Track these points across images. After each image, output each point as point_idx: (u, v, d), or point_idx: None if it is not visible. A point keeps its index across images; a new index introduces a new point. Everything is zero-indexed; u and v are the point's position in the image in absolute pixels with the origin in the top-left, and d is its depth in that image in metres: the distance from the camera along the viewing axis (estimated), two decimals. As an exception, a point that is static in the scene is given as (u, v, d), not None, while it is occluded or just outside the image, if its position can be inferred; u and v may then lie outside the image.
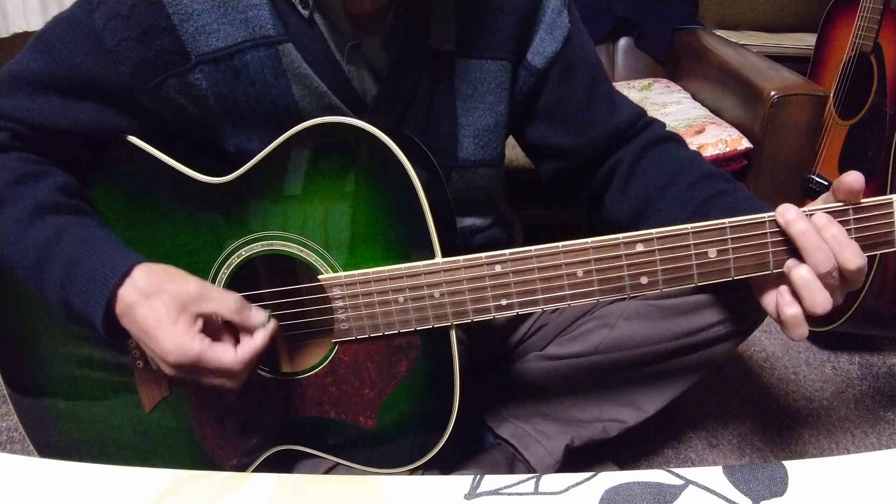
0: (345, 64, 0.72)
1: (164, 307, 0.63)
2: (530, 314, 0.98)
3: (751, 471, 0.57)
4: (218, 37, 0.68)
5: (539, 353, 0.97)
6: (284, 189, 0.69)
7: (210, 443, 0.78)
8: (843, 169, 1.37)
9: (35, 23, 1.70)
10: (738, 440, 1.19)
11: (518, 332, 1.00)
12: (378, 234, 0.68)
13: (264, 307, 0.72)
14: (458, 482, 0.57)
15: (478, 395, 0.97)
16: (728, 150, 1.46)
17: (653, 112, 1.64)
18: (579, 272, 0.64)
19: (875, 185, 1.27)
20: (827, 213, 0.60)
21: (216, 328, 0.65)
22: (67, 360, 0.79)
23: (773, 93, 1.39)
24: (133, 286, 0.64)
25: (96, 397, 0.79)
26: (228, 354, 0.64)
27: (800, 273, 0.59)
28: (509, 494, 0.56)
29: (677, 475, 0.57)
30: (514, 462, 0.95)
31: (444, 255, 0.66)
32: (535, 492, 0.56)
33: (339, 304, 0.69)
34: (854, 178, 0.58)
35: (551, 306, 0.66)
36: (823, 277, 0.59)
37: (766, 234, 0.61)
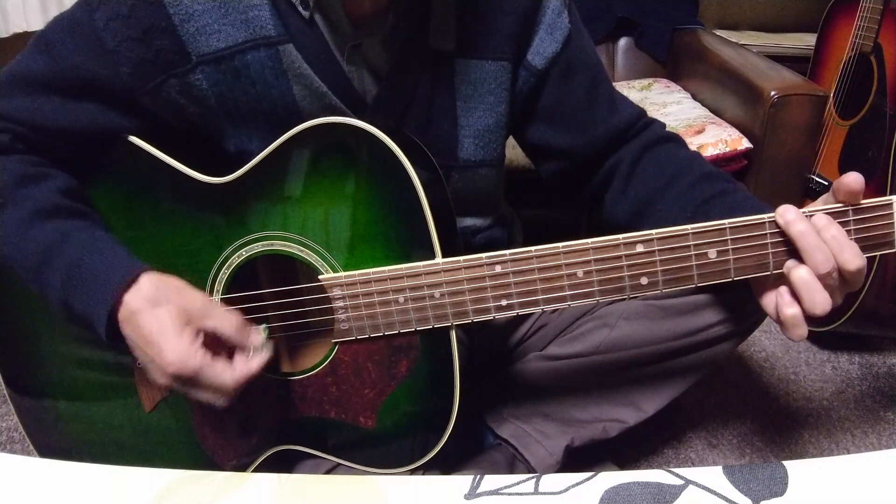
0: (345, 64, 0.72)
1: (170, 317, 0.63)
2: (530, 314, 0.98)
3: (751, 471, 0.57)
4: (219, 37, 0.68)
5: (539, 353, 0.97)
6: (285, 189, 0.69)
7: (210, 443, 0.78)
8: (843, 169, 1.37)
9: (35, 23, 1.70)
10: (738, 440, 1.20)
11: (518, 332, 1.00)
12: (378, 235, 0.68)
13: (264, 309, 0.72)
14: (458, 482, 0.57)
15: (478, 396, 0.97)
16: (728, 150, 1.46)
17: (653, 112, 1.64)
18: (579, 273, 0.64)
19: (875, 185, 1.27)
20: (827, 213, 0.60)
21: (213, 345, 0.65)
22: (67, 360, 0.79)
23: (773, 93, 1.39)
24: (139, 293, 0.64)
25: (96, 397, 0.79)
26: (227, 374, 0.64)
27: (799, 274, 0.59)
28: (509, 494, 0.56)
29: (677, 475, 0.57)
30: (514, 462, 0.95)
31: (444, 256, 0.66)
32: (535, 492, 0.56)
33: (340, 304, 0.69)
34: (854, 179, 0.58)
35: (551, 307, 0.66)
36: (823, 278, 0.59)
37: (765, 234, 0.61)
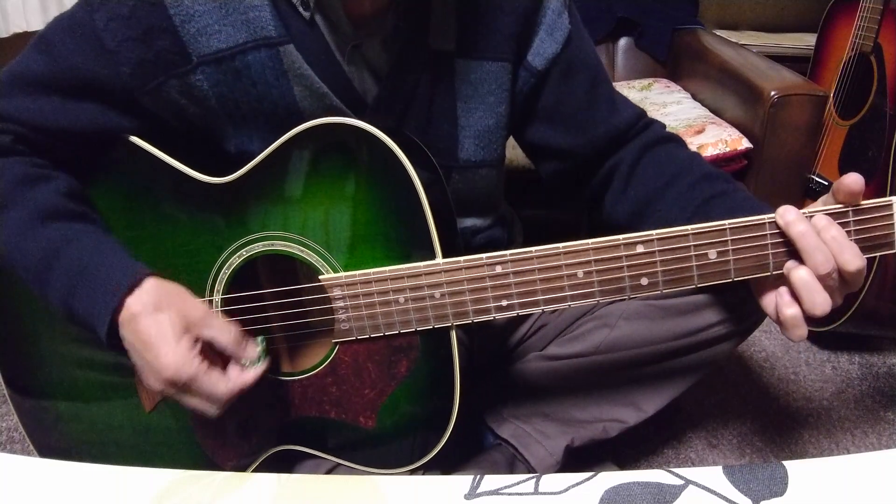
0: (345, 64, 0.72)
1: (170, 322, 0.63)
2: (530, 314, 0.98)
3: (751, 471, 0.57)
4: (219, 38, 0.68)
5: (539, 353, 0.97)
6: (285, 189, 0.69)
7: (210, 443, 0.78)
8: (843, 169, 1.37)
9: (35, 23, 1.70)
10: (738, 440, 1.20)
11: (518, 332, 1.00)
12: (379, 235, 0.68)
13: (264, 309, 0.72)
14: (458, 482, 0.57)
15: (478, 396, 0.97)
16: (728, 150, 1.46)
17: (653, 112, 1.65)
18: (580, 273, 0.64)
19: (875, 185, 1.27)
20: (827, 214, 0.60)
21: (208, 355, 0.65)
22: (68, 360, 0.79)
23: (773, 93, 1.39)
24: (141, 297, 0.65)
25: (97, 398, 0.79)
26: (222, 384, 0.64)
27: (799, 274, 0.59)
28: (509, 494, 0.56)
29: (677, 475, 0.57)
30: (514, 462, 0.95)
31: (444, 256, 0.66)
32: (535, 492, 0.56)
33: (340, 304, 0.69)
34: (854, 180, 0.58)
35: (552, 307, 0.66)
36: (823, 279, 0.59)
37: (766, 235, 0.61)
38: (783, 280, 0.62)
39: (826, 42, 1.51)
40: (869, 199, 0.60)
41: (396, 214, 0.67)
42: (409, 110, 0.76)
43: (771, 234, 0.61)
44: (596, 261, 0.64)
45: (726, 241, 0.62)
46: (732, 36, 1.97)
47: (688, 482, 0.56)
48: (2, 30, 1.68)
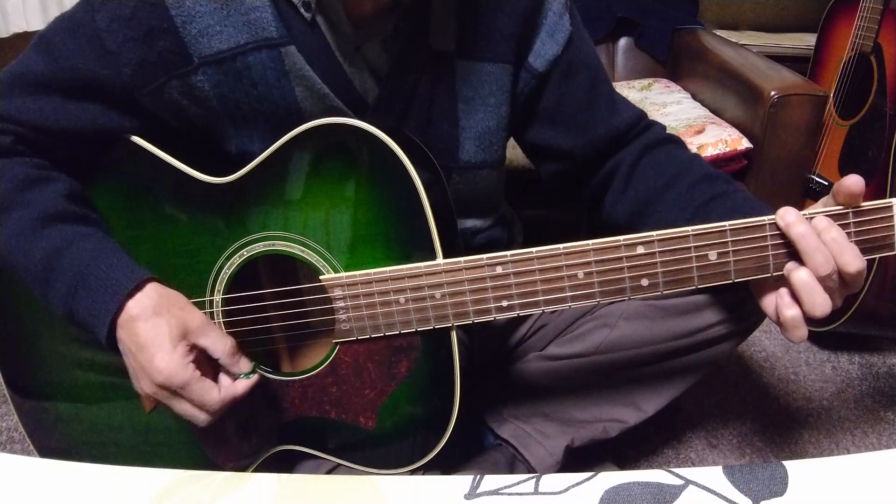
0: (346, 65, 0.72)
1: (168, 328, 0.64)
2: (530, 315, 0.98)
3: (751, 471, 0.57)
4: (220, 39, 0.68)
5: (539, 353, 0.97)
6: (286, 189, 0.69)
7: (210, 443, 0.78)
8: (843, 169, 1.37)
9: (35, 23, 1.70)
10: (738, 440, 1.20)
11: (518, 332, 1.00)
12: (379, 235, 0.68)
13: (265, 309, 0.72)
14: (458, 482, 0.57)
15: (478, 396, 0.97)
16: (728, 150, 1.46)
17: (653, 112, 1.65)
18: (580, 274, 0.64)
19: (875, 186, 1.27)
20: (827, 216, 0.60)
21: (202, 364, 0.66)
22: (68, 360, 0.79)
23: (773, 93, 1.39)
24: (142, 300, 0.65)
25: (97, 398, 0.79)
26: (213, 393, 0.65)
27: (799, 276, 0.59)
28: (509, 494, 0.56)
29: (677, 475, 0.57)
30: (514, 462, 0.95)
31: (445, 256, 0.66)
32: (535, 492, 0.56)
33: (341, 304, 0.69)
34: (854, 182, 0.58)
35: (552, 307, 0.66)
36: (823, 280, 0.59)
37: (766, 236, 0.61)
38: (783, 281, 0.62)
39: (826, 42, 1.51)
40: (869, 198, 0.60)
41: (397, 215, 0.67)
42: (410, 111, 0.76)
43: (771, 235, 0.61)
44: (596, 261, 0.64)
45: (727, 242, 0.62)
46: (732, 36, 1.97)
47: (688, 482, 0.56)
48: (2, 30, 1.68)
